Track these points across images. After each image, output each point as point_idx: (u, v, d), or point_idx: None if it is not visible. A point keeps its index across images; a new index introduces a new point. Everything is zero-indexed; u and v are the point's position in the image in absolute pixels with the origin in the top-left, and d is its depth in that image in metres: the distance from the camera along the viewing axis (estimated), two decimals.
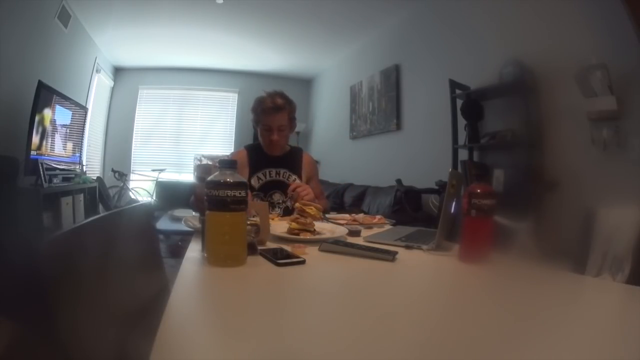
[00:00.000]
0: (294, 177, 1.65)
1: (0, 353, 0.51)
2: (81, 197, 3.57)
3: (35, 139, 2.85)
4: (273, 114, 1.55)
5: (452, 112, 2.70)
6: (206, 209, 0.72)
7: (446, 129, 2.76)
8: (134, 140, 5.58)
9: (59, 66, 3.50)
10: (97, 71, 4.56)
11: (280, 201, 1.58)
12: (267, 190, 1.59)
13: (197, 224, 0.98)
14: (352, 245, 0.88)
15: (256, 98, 1.62)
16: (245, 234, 0.76)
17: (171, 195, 4.19)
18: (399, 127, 3.65)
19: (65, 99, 3.34)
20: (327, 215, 1.45)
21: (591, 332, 0.50)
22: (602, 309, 0.62)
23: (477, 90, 2.58)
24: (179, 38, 4.41)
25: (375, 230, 1.25)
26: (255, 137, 1.70)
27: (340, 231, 1.10)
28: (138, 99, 5.55)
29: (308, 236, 1.01)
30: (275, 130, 1.56)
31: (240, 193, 0.71)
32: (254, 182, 1.59)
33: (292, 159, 1.68)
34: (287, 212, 1.54)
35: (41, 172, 2.79)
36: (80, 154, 3.92)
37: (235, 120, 5.84)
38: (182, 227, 1.17)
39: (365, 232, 1.16)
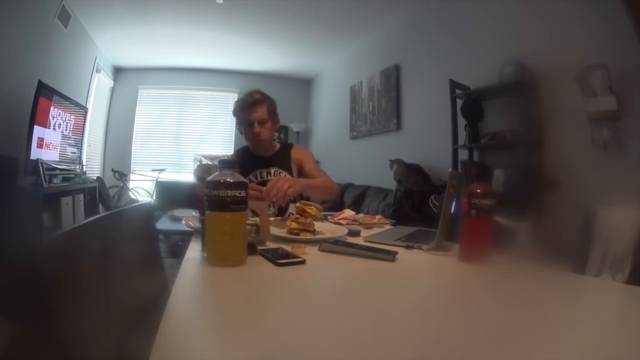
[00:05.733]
0: (284, 173, 1.64)
1: (0, 353, 0.51)
2: (81, 197, 3.57)
3: (35, 139, 2.85)
4: (252, 108, 1.59)
5: (452, 112, 2.70)
6: (206, 209, 0.72)
7: (446, 129, 2.76)
8: (134, 140, 5.58)
9: (59, 66, 3.50)
10: (97, 71, 4.56)
11: (275, 200, 1.58)
12: None
13: (197, 224, 0.98)
14: (352, 245, 0.88)
15: (235, 101, 1.67)
16: (245, 234, 0.76)
17: (171, 195, 4.18)
18: (399, 127, 3.65)
19: (65, 99, 3.34)
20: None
21: (591, 332, 0.50)
22: (602, 309, 0.62)
23: (477, 90, 2.57)
24: (179, 38, 4.41)
25: (375, 230, 1.25)
26: None
27: (340, 231, 1.10)
28: (138, 99, 5.55)
29: (308, 236, 1.01)
30: (257, 123, 1.59)
31: (240, 193, 0.71)
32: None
33: (282, 156, 1.69)
34: (281, 211, 1.55)
35: (41, 172, 2.79)
36: (80, 154, 3.92)
37: (235, 120, 5.83)
38: (182, 227, 1.17)
39: (365, 232, 1.16)
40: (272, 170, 1.64)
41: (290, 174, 1.66)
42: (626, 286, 0.85)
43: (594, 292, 0.74)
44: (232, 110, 1.69)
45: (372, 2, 3.39)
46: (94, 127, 4.85)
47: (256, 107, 1.59)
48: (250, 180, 1.61)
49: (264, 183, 1.59)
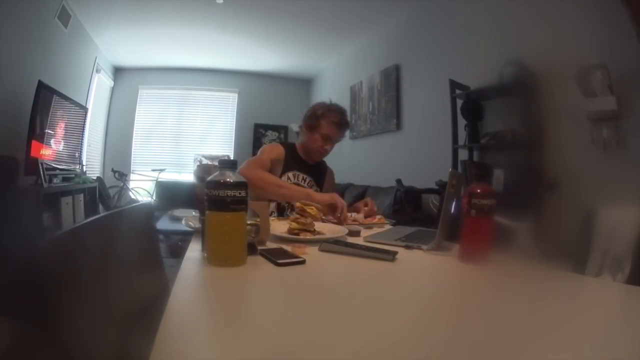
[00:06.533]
0: (316, 187, 1.69)
1: (0, 353, 0.51)
2: (81, 197, 3.57)
3: (35, 139, 2.85)
4: (340, 130, 1.63)
5: (452, 112, 2.70)
6: (206, 209, 0.72)
7: (446, 129, 2.76)
8: (134, 140, 5.58)
9: (59, 66, 3.50)
10: (97, 71, 4.56)
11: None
12: None
13: (197, 224, 0.98)
14: (352, 245, 0.88)
15: (320, 105, 1.65)
16: (245, 234, 0.76)
17: (171, 195, 4.18)
18: (399, 127, 3.65)
19: (65, 99, 3.34)
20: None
21: (591, 332, 0.50)
22: (602, 309, 0.62)
23: (477, 90, 2.58)
24: (179, 38, 4.41)
25: (375, 230, 1.25)
26: (257, 140, 1.72)
27: (340, 231, 1.10)
28: (138, 99, 5.55)
29: (308, 236, 1.01)
30: (333, 143, 1.65)
31: (240, 193, 0.71)
32: (283, 179, 1.61)
33: (319, 170, 1.74)
34: (280, 213, 1.57)
35: (41, 172, 2.79)
36: (80, 154, 3.92)
37: (235, 120, 5.84)
38: (182, 227, 1.17)
39: (365, 232, 1.16)
40: (307, 179, 1.67)
41: (321, 188, 1.72)
42: (626, 286, 0.85)
43: (594, 292, 0.74)
44: (308, 110, 1.66)
45: (372, 2, 3.39)
46: (94, 127, 4.85)
47: (341, 130, 1.64)
48: (289, 178, 1.62)
49: (296, 185, 1.63)
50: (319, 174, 1.72)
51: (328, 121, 1.60)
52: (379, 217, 1.44)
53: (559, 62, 2.00)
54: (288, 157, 1.64)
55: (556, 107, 2.04)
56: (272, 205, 1.57)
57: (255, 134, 5.79)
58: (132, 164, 5.54)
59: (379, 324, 0.49)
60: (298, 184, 1.63)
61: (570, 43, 1.95)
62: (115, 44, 4.49)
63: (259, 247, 0.83)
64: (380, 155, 3.99)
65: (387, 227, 1.35)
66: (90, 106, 4.34)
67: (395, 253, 0.83)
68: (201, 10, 3.67)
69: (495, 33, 2.46)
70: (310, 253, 0.85)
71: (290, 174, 1.63)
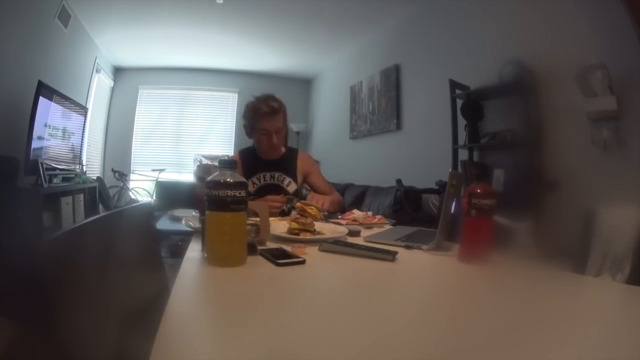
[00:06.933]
0: (288, 179, 1.64)
1: (0, 353, 0.51)
2: (81, 197, 3.57)
3: (35, 139, 2.85)
4: (270, 118, 1.55)
5: (452, 112, 2.70)
6: (206, 209, 0.72)
7: (446, 129, 2.76)
8: (134, 140, 5.58)
9: (59, 66, 3.50)
10: (97, 71, 4.56)
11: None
12: (262, 194, 1.57)
13: (197, 224, 0.98)
14: (352, 245, 0.88)
15: (247, 104, 1.61)
16: (245, 234, 0.76)
17: (171, 195, 4.18)
18: (399, 127, 3.65)
19: (65, 99, 3.34)
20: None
21: (591, 331, 0.50)
22: (602, 309, 0.62)
23: (477, 90, 2.57)
24: (179, 38, 4.41)
25: (375, 230, 1.25)
26: None
27: (340, 231, 1.10)
28: (138, 99, 5.55)
29: (308, 236, 1.01)
30: (274, 133, 1.56)
31: (240, 193, 0.71)
32: (249, 186, 1.59)
33: (287, 161, 1.68)
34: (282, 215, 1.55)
35: (41, 172, 2.79)
36: (80, 154, 3.92)
37: (235, 120, 5.84)
38: (182, 227, 1.17)
39: (365, 232, 1.16)
40: (276, 175, 1.63)
41: (295, 180, 1.66)
42: (626, 286, 0.85)
43: (594, 292, 0.74)
44: (243, 114, 1.64)
45: (372, 2, 3.39)
46: (94, 127, 4.85)
47: (274, 117, 1.55)
48: (254, 183, 1.60)
49: (266, 186, 1.61)
50: (287, 164, 1.66)
51: (259, 116, 1.55)
52: (378, 217, 1.43)
53: (559, 62, 2.00)
54: (247, 163, 1.61)
55: (556, 107, 2.04)
56: None
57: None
58: (132, 164, 5.54)
59: (379, 324, 0.49)
60: (268, 184, 1.61)
61: (570, 43, 1.95)
62: (115, 44, 4.49)
63: (259, 247, 0.83)
64: (380, 155, 3.99)
65: (387, 227, 1.35)
66: (90, 106, 4.34)
67: (395, 253, 0.83)
68: (201, 10, 3.67)
69: (495, 33, 2.46)
70: (310, 253, 0.85)
71: (254, 179, 1.61)
